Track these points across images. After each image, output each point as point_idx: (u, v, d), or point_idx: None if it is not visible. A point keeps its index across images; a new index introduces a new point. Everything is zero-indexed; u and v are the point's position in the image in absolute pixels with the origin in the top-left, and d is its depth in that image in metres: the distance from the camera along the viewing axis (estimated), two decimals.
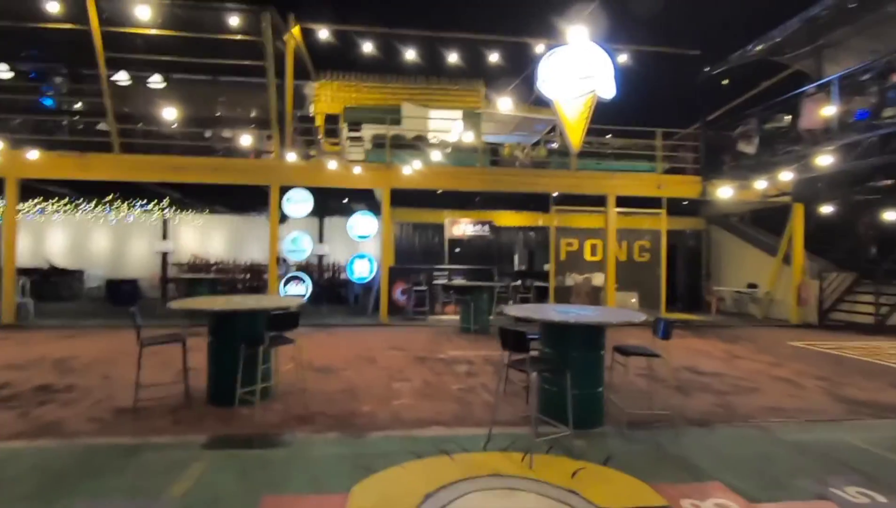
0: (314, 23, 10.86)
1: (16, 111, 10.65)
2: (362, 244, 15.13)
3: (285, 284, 10.64)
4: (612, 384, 4.60)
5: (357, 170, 10.37)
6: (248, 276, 15.16)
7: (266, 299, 5.28)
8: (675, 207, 12.58)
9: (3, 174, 9.61)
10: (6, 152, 9.57)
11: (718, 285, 13.67)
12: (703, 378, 6.05)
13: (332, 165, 10.24)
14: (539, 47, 11.18)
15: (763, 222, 13.25)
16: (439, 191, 11.47)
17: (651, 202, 11.86)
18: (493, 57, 11.92)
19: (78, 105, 11.49)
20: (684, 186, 11.71)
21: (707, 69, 11.60)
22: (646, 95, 13.75)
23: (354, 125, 11.64)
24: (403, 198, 11.67)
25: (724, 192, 11.09)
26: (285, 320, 4.42)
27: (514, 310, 4.54)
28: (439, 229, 13.86)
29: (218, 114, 11.07)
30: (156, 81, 11.46)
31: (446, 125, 12.77)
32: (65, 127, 10.80)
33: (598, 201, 11.49)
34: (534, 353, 3.97)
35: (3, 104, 10.64)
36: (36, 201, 14.21)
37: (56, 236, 15.64)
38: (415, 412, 4.58)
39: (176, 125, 10.95)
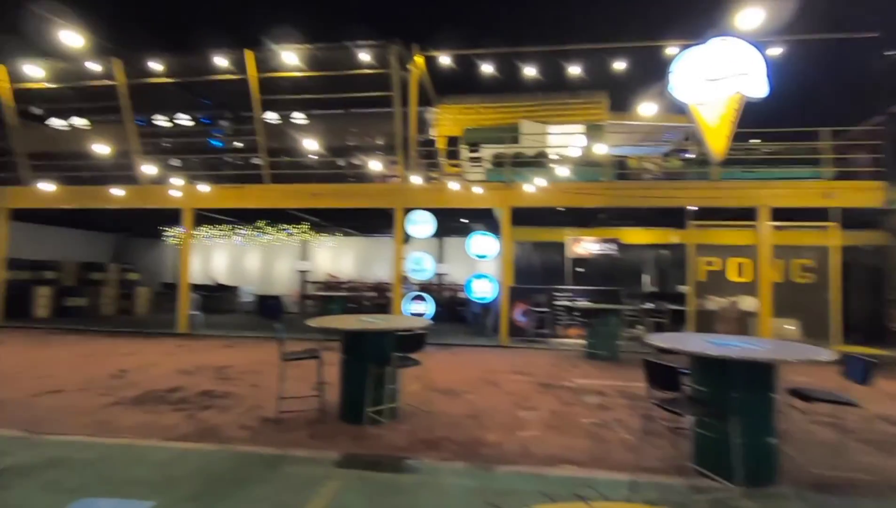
0: (436, 50, 11.26)
1: (192, 152, 12.60)
2: (481, 264, 15.13)
3: (409, 303, 10.97)
4: (787, 434, 3.82)
5: (477, 190, 10.41)
6: (375, 294, 16.03)
7: (394, 319, 5.38)
8: (848, 218, 10.58)
9: (181, 205, 11.37)
10: (185, 187, 11.32)
11: None
12: None
13: (454, 186, 10.41)
14: (671, 49, 10.30)
15: None
16: (561, 208, 11.03)
17: (815, 214, 10.12)
18: (618, 65, 11.25)
19: (238, 144, 13.25)
20: (860, 194, 9.80)
21: (889, 53, 9.69)
22: (804, 90, 11.92)
23: (474, 146, 11.77)
24: (523, 216, 11.44)
25: None
26: (412, 341, 4.43)
27: (658, 340, 4.02)
28: (560, 247, 13.33)
29: (349, 143, 11.98)
30: (298, 117, 12.80)
31: (567, 140, 12.34)
32: (228, 163, 12.50)
33: (745, 215, 10.10)
34: (683, 388, 3.45)
35: (183, 147, 12.68)
36: (204, 227, 16.62)
37: (219, 257, 18.14)
38: (544, 445, 4.26)
39: (314, 156, 12.06)
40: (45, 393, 5.70)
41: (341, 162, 12.17)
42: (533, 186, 10.19)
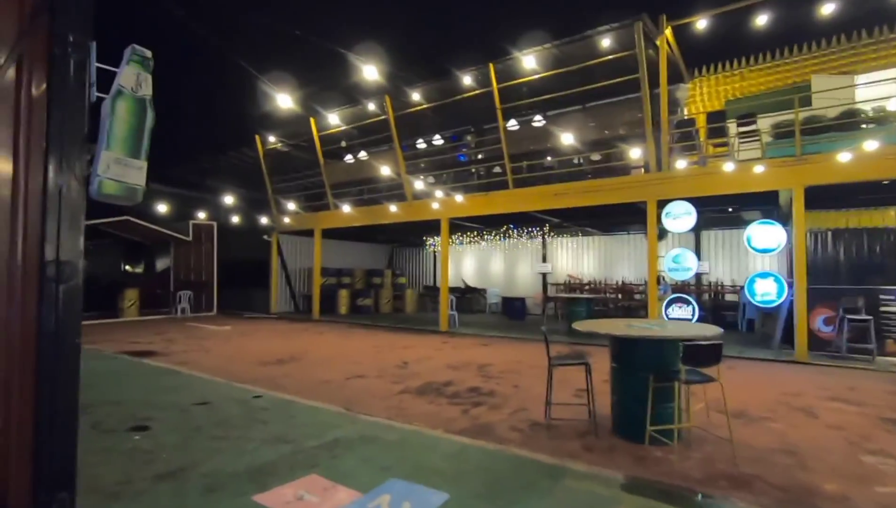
0: (688, 17, 9.81)
1: (445, 168, 13.98)
2: (756, 259, 12.65)
3: (667, 306, 9.76)
4: None
5: (758, 169, 8.59)
6: (619, 295, 14.99)
7: (675, 326, 4.68)
8: None
9: (439, 216, 12.70)
10: (442, 200, 12.62)
11: None
12: None
13: (728, 167, 8.81)
14: None
15: None
16: (886, 181, 8.22)
17: None
18: None
19: (481, 155, 14.15)
20: None
21: None
22: None
23: (743, 119, 9.80)
24: (819, 197, 8.97)
25: None
26: (706, 353, 3.71)
27: None
28: (879, 234, 9.99)
29: (593, 138, 11.41)
30: (537, 120, 12.89)
31: (888, 90, 9.18)
32: (474, 174, 13.44)
33: None
34: None
35: (438, 163, 14.18)
36: (456, 234, 18.32)
37: (468, 261, 19.77)
38: None
39: (552, 157, 11.94)
40: (354, 377, 6.92)
41: (580, 159, 11.73)
42: (847, 155, 7.84)
